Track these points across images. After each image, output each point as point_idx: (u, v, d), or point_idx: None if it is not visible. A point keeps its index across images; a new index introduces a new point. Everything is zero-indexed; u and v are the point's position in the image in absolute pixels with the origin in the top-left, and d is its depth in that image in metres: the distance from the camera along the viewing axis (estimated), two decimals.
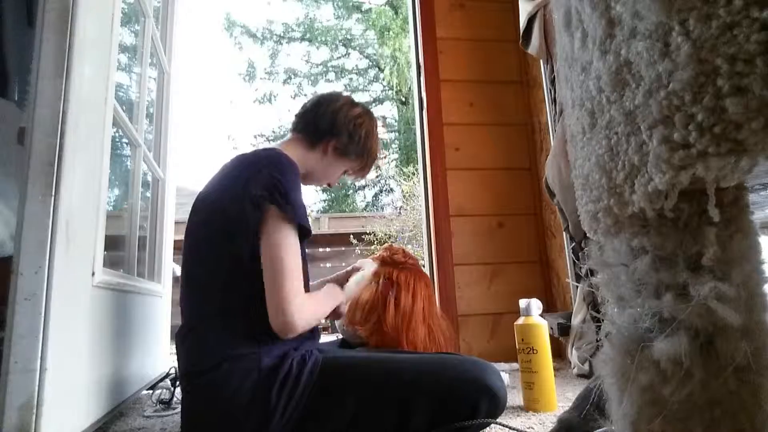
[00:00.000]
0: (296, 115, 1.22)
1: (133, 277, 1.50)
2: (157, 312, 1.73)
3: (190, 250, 1.04)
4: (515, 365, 1.79)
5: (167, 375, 1.73)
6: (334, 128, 1.16)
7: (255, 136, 14.43)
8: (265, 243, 0.93)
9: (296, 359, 0.93)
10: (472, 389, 0.93)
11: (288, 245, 0.93)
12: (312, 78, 14.21)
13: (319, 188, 12.98)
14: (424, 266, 2.27)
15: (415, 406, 0.91)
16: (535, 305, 1.25)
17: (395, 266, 1.31)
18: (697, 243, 0.36)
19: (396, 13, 12.19)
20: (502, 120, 2.33)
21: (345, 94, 1.26)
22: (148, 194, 1.89)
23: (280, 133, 14.14)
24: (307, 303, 0.94)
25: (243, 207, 0.94)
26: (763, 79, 0.28)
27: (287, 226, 0.94)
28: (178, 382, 1.55)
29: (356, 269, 1.35)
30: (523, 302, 1.26)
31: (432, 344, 1.24)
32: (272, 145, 1.18)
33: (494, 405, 0.94)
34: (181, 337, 0.99)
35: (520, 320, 1.25)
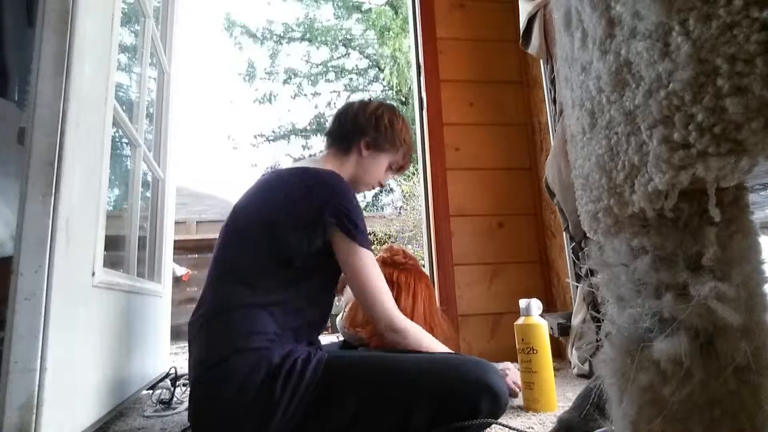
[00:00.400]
0: (325, 136, 1.31)
1: (133, 277, 1.50)
2: (157, 312, 1.73)
3: (231, 241, 1.08)
4: (515, 365, 1.79)
5: (167, 375, 1.74)
6: (357, 128, 1.23)
7: (255, 136, 14.41)
8: (346, 267, 1.04)
9: (301, 356, 0.94)
10: (473, 389, 0.93)
11: (370, 266, 1.05)
12: (312, 78, 14.20)
13: None
14: (424, 266, 2.27)
15: (417, 406, 0.91)
16: (535, 305, 1.25)
17: (396, 267, 1.31)
18: (697, 243, 0.36)
19: (396, 13, 12.19)
20: (502, 120, 2.33)
21: (358, 99, 1.34)
22: (148, 194, 1.89)
23: (280, 133, 14.12)
24: (406, 327, 1.06)
25: (307, 230, 1.01)
26: (763, 79, 0.28)
27: (362, 250, 1.04)
28: (178, 381, 1.55)
29: None
30: (523, 302, 1.26)
31: None
32: (307, 163, 1.22)
33: (495, 405, 0.94)
34: (198, 326, 1.01)
35: (520, 320, 1.25)
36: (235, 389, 0.90)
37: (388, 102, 1.33)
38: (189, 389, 1.01)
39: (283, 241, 1.01)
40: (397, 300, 1.23)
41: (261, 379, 0.90)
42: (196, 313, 1.04)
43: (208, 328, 0.99)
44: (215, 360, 0.93)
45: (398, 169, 1.32)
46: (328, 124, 1.33)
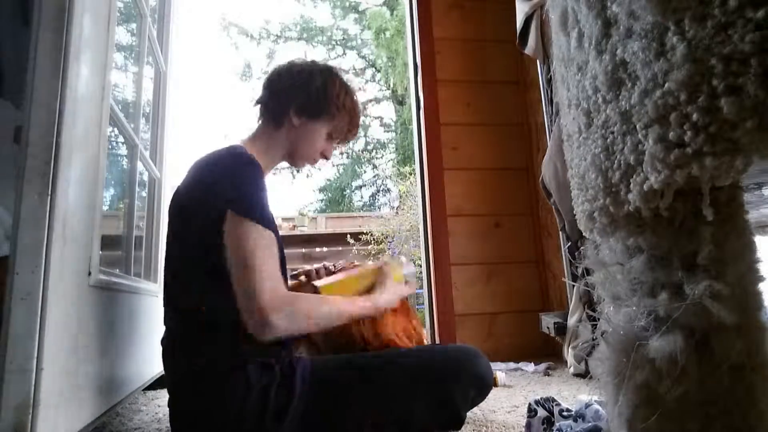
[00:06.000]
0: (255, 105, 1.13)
1: (130, 277, 1.50)
2: (153, 312, 1.73)
3: (167, 263, 1.03)
4: (512, 365, 1.79)
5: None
6: (286, 95, 1.06)
7: None
8: (229, 245, 0.87)
9: (283, 366, 0.90)
10: (462, 377, 0.96)
11: (252, 241, 0.86)
12: None
13: (316, 188, 12.95)
14: (420, 266, 2.28)
15: (413, 399, 0.91)
16: None
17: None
18: (692, 242, 0.36)
19: (393, 13, 12.19)
20: (499, 120, 2.33)
21: (283, 63, 1.14)
22: (145, 194, 1.88)
23: None
24: (290, 301, 0.87)
25: (209, 216, 0.90)
26: (758, 79, 0.28)
27: (248, 223, 0.87)
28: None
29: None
30: None
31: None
32: (238, 141, 1.09)
33: (481, 391, 0.99)
34: (169, 352, 0.98)
35: None
36: (217, 415, 0.86)
37: (324, 63, 1.13)
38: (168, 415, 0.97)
39: (204, 252, 0.91)
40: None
41: (243, 403, 0.85)
42: (166, 330, 1.00)
43: (176, 356, 0.96)
44: (188, 388, 0.91)
45: (343, 138, 1.14)
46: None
